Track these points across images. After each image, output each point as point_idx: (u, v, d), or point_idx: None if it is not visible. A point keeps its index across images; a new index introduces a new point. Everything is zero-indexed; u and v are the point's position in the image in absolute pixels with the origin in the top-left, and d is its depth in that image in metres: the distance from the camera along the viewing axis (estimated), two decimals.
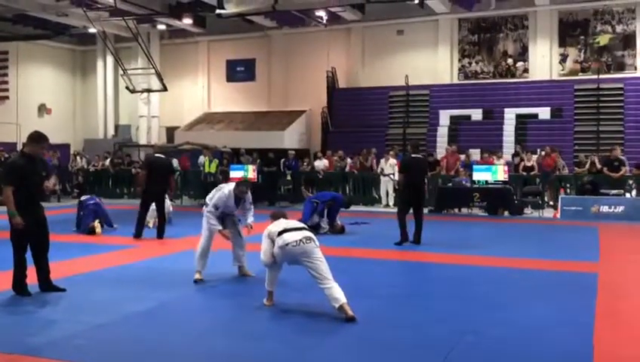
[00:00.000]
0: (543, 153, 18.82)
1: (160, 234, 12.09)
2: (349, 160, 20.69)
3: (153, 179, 12.22)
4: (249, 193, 8.29)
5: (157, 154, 13.04)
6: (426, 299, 7.33)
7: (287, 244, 6.39)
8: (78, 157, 24.77)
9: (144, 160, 14.89)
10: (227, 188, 8.21)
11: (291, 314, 6.56)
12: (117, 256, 10.16)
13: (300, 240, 6.40)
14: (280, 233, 6.50)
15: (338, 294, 6.26)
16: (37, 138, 7.30)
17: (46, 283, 7.47)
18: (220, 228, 8.11)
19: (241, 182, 8.38)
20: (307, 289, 7.17)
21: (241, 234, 8.43)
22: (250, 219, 8.25)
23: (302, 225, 6.86)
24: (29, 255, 7.34)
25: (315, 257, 6.40)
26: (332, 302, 6.27)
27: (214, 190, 8.42)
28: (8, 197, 6.99)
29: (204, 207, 8.33)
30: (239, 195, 8.15)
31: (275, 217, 6.94)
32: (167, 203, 13.36)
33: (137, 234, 12.05)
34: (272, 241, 6.57)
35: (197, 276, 8.07)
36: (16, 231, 7.13)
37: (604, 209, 15.84)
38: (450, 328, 6.01)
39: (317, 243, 6.52)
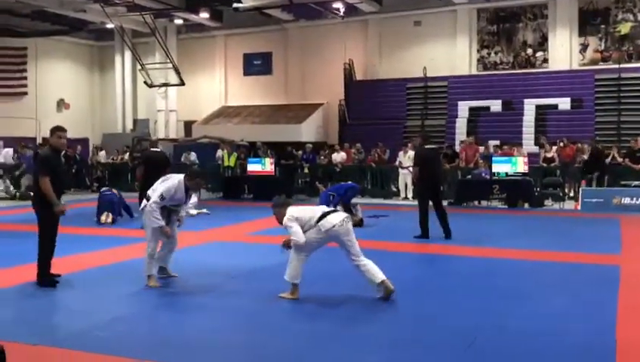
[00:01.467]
0: (562, 144, 18.63)
1: None
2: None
3: (151, 173, 12.42)
4: None
5: (152, 149, 13.61)
6: (446, 292, 7.28)
7: (333, 226, 6.54)
8: (98, 151, 24.98)
9: (141, 156, 15.33)
10: (176, 178, 7.55)
11: (308, 306, 6.53)
12: (136, 249, 10.16)
13: (343, 220, 6.63)
14: (322, 216, 6.59)
15: (376, 271, 6.62)
16: (52, 130, 7.62)
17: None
18: (163, 223, 7.42)
19: (197, 174, 7.97)
20: (323, 281, 7.16)
21: (176, 236, 7.90)
22: (182, 213, 7.90)
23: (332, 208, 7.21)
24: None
25: (353, 236, 6.71)
26: (372, 279, 6.58)
27: (159, 181, 7.72)
28: (48, 187, 7.23)
29: (144, 201, 7.65)
30: (193, 188, 7.72)
31: (285, 205, 6.81)
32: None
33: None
34: (301, 226, 6.56)
35: (152, 282, 7.45)
36: (49, 222, 7.35)
37: (626, 200, 15.62)
38: (471, 320, 5.96)
39: None
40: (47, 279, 7.40)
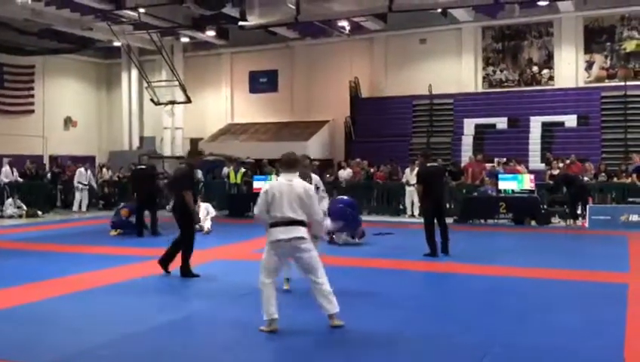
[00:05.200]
0: (568, 161, 18.58)
1: (154, 231, 14.09)
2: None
3: (138, 187, 14.62)
4: (317, 180, 8.09)
5: (139, 166, 15.74)
6: (453, 311, 7.22)
7: (278, 240, 6.15)
8: (104, 169, 25.01)
9: (130, 173, 17.08)
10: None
11: (316, 326, 6.48)
12: (143, 267, 10.16)
13: (291, 238, 6.13)
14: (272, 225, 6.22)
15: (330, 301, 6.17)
16: (196, 153, 10.45)
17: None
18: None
19: (303, 156, 8.14)
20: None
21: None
22: (323, 204, 8.03)
23: (294, 215, 6.21)
24: None
25: (305, 251, 6.20)
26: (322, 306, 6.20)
27: None
28: (190, 199, 9.06)
29: None
30: (303, 173, 7.63)
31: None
32: (205, 206, 15.34)
33: (139, 234, 14.01)
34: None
35: (285, 285, 7.87)
36: (191, 225, 9.23)
37: (634, 218, 15.54)
38: (477, 339, 5.91)
39: (307, 237, 6.24)
40: (188, 271, 8.96)
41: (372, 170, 20.91)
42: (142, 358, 5.49)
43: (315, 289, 6.19)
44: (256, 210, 6.38)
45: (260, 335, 6.13)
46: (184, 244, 9.11)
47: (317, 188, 8.02)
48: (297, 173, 6.50)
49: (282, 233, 6.13)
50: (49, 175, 23.37)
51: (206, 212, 15.14)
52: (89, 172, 21.84)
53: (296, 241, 6.13)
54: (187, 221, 9.13)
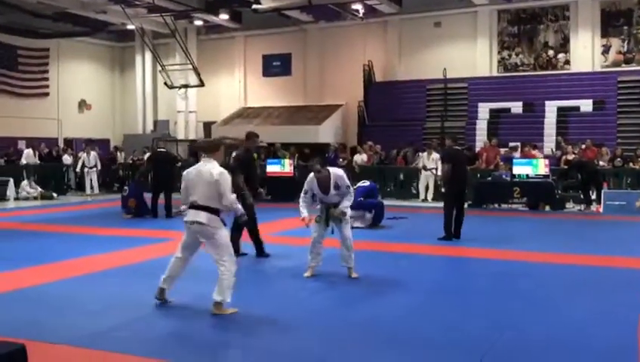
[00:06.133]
0: (584, 146, 18.45)
1: (168, 213, 14.27)
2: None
3: (157, 170, 15.09)
4: (341, 177, 7.88)
5: (159, 149, 16.11)
6: (465, 295, 7.22)
7: (185, 222, 6.47)
8: (118, 152, 25.12)
9: (149, 155, 17.26)
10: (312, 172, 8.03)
11: (329, 311, 6.51)
12: (155, 249, 10.23)
13: (194, 222, 6.35)
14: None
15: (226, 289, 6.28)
16: (251, 135, 9.72)
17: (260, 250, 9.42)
18: (304, 215, 7.74)
19: (313, 164, 8.18)
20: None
21: (346, 233, 7.89)
22: (344, 204, 7.84)
23: (199, 200, 6.35)
24: None
25: (206, 236, 6.39)
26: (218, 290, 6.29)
27: None
28: (238, 181, 8.78)
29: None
30: (317, 177, 7.82)
31: None
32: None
33: (154, 215, 14.45)
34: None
35: (306, 272, 7.91)
36: (245, 207, 8.44)
37: None
38: (490, 324, 5.90)
39: (209, 223, 6.29)
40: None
41: (394, 151, 20.85)
42: (156, 340, 5.54)
43: (219, 270, 6.35)
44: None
45: (268, 319, 6.17)
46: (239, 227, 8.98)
47: (338, 186, 7.82)
48: (214, 158, 6.46)
49: (189, 216, 6.41)
50: (67, 157, 23.41)
51: None
52: (92, 154, 21.70)
53: (197, 226, 6.32)
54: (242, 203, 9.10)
